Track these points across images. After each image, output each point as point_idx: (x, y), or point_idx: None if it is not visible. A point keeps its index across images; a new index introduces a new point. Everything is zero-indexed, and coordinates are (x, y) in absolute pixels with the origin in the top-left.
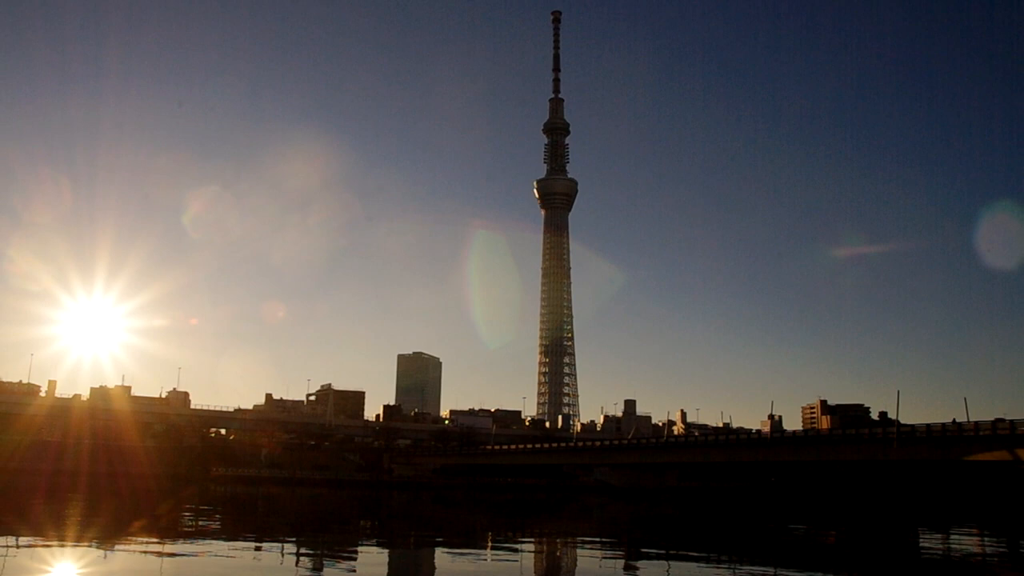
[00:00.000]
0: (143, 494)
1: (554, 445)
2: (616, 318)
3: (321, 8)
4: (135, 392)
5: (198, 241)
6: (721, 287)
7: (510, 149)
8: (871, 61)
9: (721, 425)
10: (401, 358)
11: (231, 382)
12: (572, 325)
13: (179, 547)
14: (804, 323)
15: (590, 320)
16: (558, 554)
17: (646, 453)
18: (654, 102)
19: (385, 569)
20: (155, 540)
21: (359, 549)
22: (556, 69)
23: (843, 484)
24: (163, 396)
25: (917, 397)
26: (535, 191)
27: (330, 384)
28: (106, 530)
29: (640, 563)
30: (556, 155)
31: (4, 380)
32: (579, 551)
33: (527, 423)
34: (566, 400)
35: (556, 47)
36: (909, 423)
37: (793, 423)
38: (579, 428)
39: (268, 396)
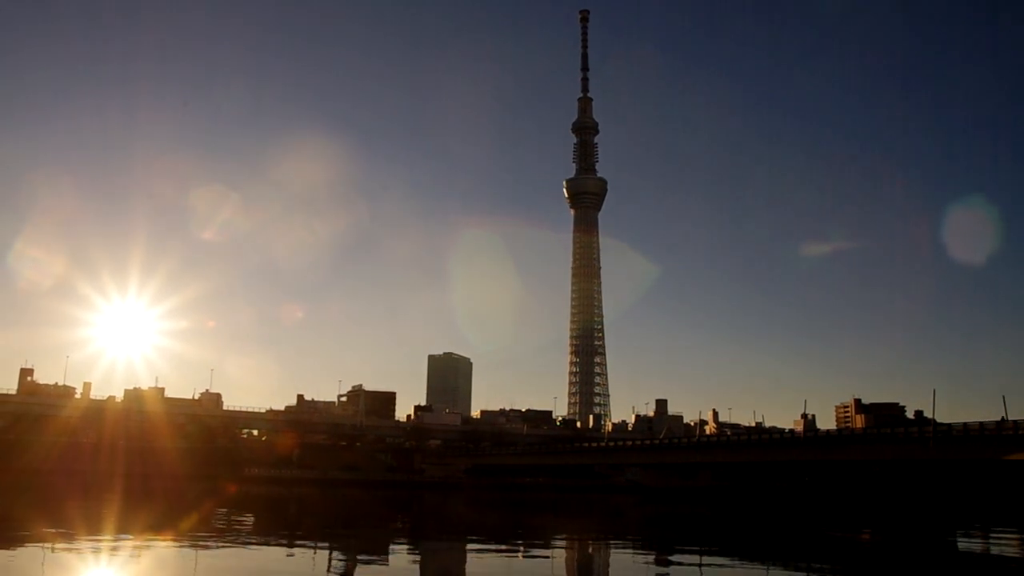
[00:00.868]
0: (176, 494)
1: (585, 445)
2: (647, 317)
3: (328, 7)
4: (168, 394)
5: (224, 243)
6: (753, 285)
7: (517, 149)
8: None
9: (753, 424)
10: (431, 359)
11: (262, 383)
12: (603, 324)
13: (212, 547)
14: (837, 321)
15: (621, 319)
16: (590, 554)
17: (678, 453)
18: (678, 100)
19: (417, 569)
20: (188, 540)
21: (391, 549)
22: (584, 68)
23: (878, 484)
24: (196, 397)
25: (954, 395)
26: (564, 190)
27: (361, 385)
28: (140, 529)
29: (672, 564)
30: (585, 154)
31: (41, 382)
32: (611, 551)
33: (558, 423)
34: (597, 400)
35: (584, 46)
36: (946, 422)
37: (827, 422)
38: (610, 428)
39: (300, 397)
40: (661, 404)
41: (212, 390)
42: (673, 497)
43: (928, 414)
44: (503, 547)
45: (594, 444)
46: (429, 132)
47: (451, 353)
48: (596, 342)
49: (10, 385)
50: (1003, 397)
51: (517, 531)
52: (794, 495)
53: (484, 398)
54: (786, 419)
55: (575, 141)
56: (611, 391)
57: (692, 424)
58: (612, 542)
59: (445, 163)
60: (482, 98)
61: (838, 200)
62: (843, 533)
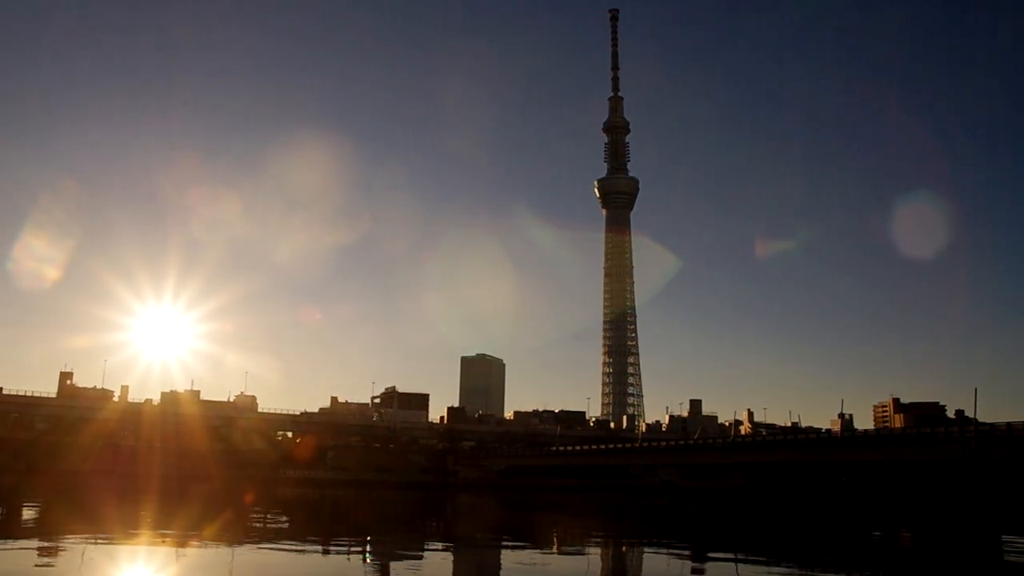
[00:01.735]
0: (212, 496)
1: (619, 446)
2: (681, 316)
3: (328, 5)
4: (203, 396)
5: (262, 247)
6: (788, 283)
7: (525, 148)
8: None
9: (789, 424)
10: (464, 360)
11: (294, 386)
12: (636, 324)
13: (248, 548)
14: (875, 319)
15: (655, 319)
16: (624, 555)
17: (712, 453)
18: (710, 101)
19: (451, 570)
20: (224, 540)
21: (425, 550)
22: (614, 67)
23: (918, 485)
24: (231, 400)
25: (996, 394)
26: (595, 190)
27: (394, 387)
28: (177, 530)
29: (707, 565)
30: (616, 154)
31: (79, 386)
32: (645, 552)
33: (592, 424)
34: (631, 400)
35: (614, 45)
36: (988, 421)
37: (864, 422)
38: (644, 428)
39: (333, 399)
40: (695, 404)
41: (247, 393)
42: (707, 498)
43: (969, 413)
44: (537, 548)
45: (627, 445)
46: (431, 131)
47: (484, 354)
48: (629, 342)
49: (50, 389)
50: None
51: (551, 532)
52: (831, 496)
53: (517, 399)
54: (823, 419)
55: (606, 141)
56: (645, 391)
57: (727, 424)
58: (646, 543)
59: (448, 162)
60: (486, 98)
61: (876, 200)
62: (881, 534)
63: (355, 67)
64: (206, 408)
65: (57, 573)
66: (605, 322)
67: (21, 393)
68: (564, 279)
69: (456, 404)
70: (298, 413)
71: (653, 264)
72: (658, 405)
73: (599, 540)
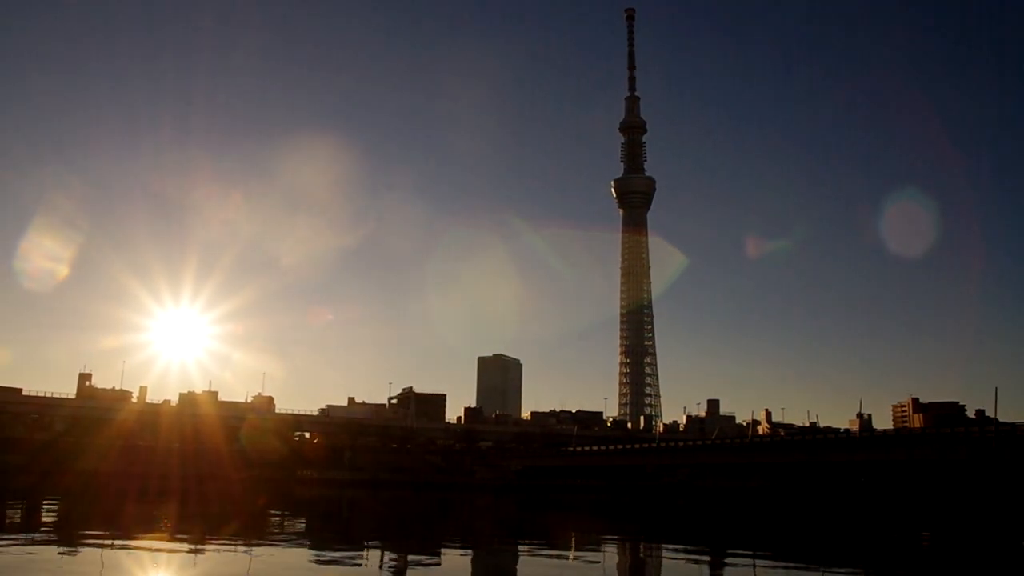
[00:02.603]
0: (230, 497)
1: (636, 446)
2: (698, 316)
3: (337, 6)
4: (221, 397)
5: (270, 248)
6: (806, 283)
7: (535, 148)
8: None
9: (807, 424)
10: (481, 360)
11: (310, 386)
12: (653, 324)
13: (265, 549)
14: (894, 317)
15: (672, 318)
16: (642, 555)
17: (730, 454)
18: (724, 96)
19: (468, 571)
20: (242, 542)
21: (442, 551)
22: (631, 67)
23: (938, 486)
24: (248, 401)
25: (1017, 394)
26: (612, 190)
27: (411, 387)
28: (195, 531)
29: (725, 565)
30: (633, 153)
31: (98, 387)
32: (663, 552)
33: (609, 424)
34: (648, 400)
35: (631, 44)
36: (1008, 421)
37: (883, 422)
38: (661, 429)
39: (351, 399)
40: (713, 404)
41: (264, 393)
42: (726, 498)
43: (989, 413)
44: (554, 548)
45: (644, 445)
46: (439, 131)
47: (500, 354)
48: (646, 342)
49: (69, 390)
50: None
51: (569, 532)
52: (849, 497)
53: (534, 400)
54: (841, 419)
55: (622, 140)
56: (662, 391)
57: (744, 424)
58: (664, 543)
59: (457, 163)
60: (495, 98)
61: (890, 203)
62: (901, 536)
63: (362, 67)
64: (224, 409)
65: (77, 572)
66: (622, 322)
67: (40, 394)
68: (578, 279)
69: (473, 404)
70: (315, 413)
71: (668, 263)
72: (675, 405)
73: (617, 540)
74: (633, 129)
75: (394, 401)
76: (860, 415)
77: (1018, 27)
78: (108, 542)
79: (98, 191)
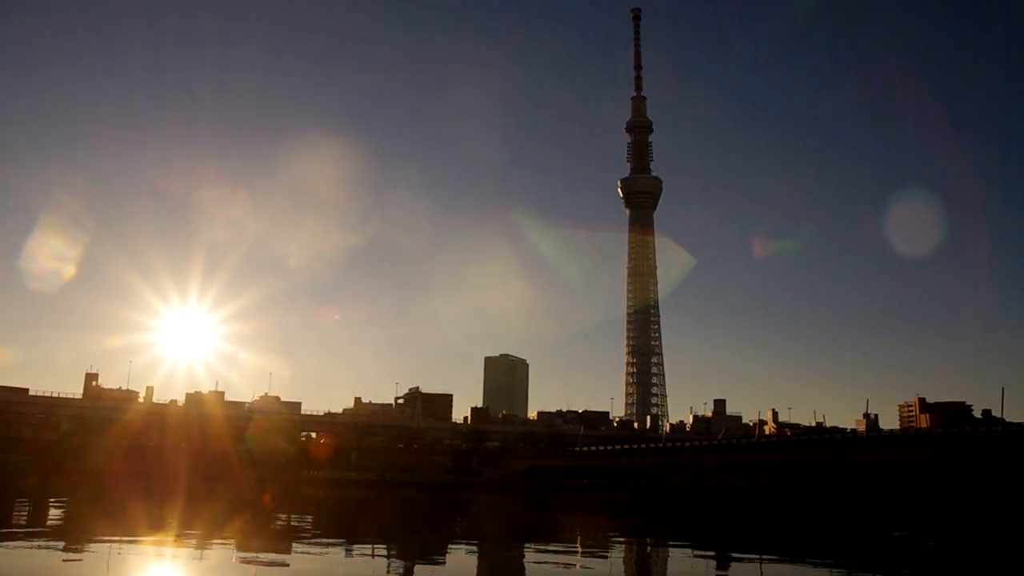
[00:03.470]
0: (237, 496)
1: (643, 446)
2: (704, 315)
3: (343, 5)
4: (227, 397)
5: (276, 248)
6: (812, 282)
7: (540, 148)
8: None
9: (814, 424)
10: (488, 360)
11: (317, 386)
12: (659, 323)
13: (272, 549)
14: (900, 317)
15: (678, 318)
16: (648, 555)
17: (736, 454)
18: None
19: (475, 570)
20: (249, 542)
21: (449, 551)
22: (637, 67)
23: (945, 486)
24: (255, 400)
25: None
26: (618, 190)
27: (418, 387)
28: (202, 532)
29: (731, 565)
30: (639, 153)
31: (104, 387)
32: (669, 552)
33: (615, 424)
34: (654, 400)
35: (637, 44)
36: (1016, 421)
37: (890, 422)
38: (668, 429)
39: (357, 399)
40: (719, 404)
41: (271, 393)
42: (732, 498)
43: (997, 413)
44: (561, 548)
45: (651, 445)
46: (445, 131)
47: (507, 354)
48: (652, 342)
49: (76, 390)
50: None
51: (575, 532)
52: (856, 497)
53: (541, 399)
54: (848, 419)
55: (628, 140)
56: (669, 391)
57: (751, 424)
58: (670, 543)
59: (462, 162)
60: (500, 97)
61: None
62: (907, 536)
63: (369, 66)
64: (230, 409)
65: (82, 572)
66: (628, 322)
67: (47, 394)
68: (584, 279)
69: (479, 404)
70: (322, 414)
71: (674, 263)
72: (682, 405)
73: (623, 540)
74: (639, 129)
75: (401, 401)
76: (867, 415)
77: None
78: (114, 543)
79: (103, 190)
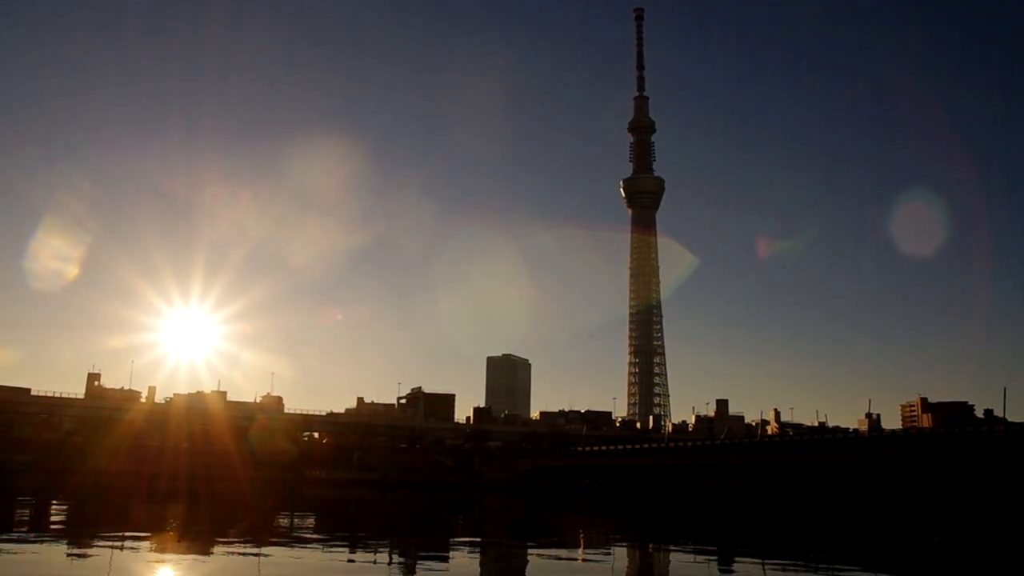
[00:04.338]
0: (239, 497)
1: (645, 446)
2: (707, 316)
3: (346, 6)
4: (229, 397)
5: (279, 248)
6: (815, 283)
7: (542, 148)
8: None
9: (816, 424)
10: (490, 360)
11: (317, 387)
12: (662, 324)
13: (274, 549)
14: (903, 318)
15: (681, 318)
16: (650, 555)
17: (738, 454)
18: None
19: (477, 570)
20: (251, 542)
21: (451, 551)
22: (640, 67)
23: (947, 486)
24: (257, 401)
25: None
26: (621, 190)
27: (420, 387)
28: (204, 532)
29: (734, 565)
30: (642, 153)
31: (106, 387)
32: (672, 552)
33: (617, 424)
34: (657, 400)
35: (639, 44)
36: (1017, 421)
37: (892, 422)
38: (670, 429)
39: (359, 400)
40: (722, 404)
41: (273, 393)
42: (734, 498)
43: (999, 413)
44: (563, 548)
45: (654, 445)
46: (447, 131)
47: (510, 355)
48: (655, 342)
49: (78, 390)
50: None
51: (577, 532)
52: (858, 497)
53: (543, 399)
54: (850, 419)
55: (631, 140)
56: (671, 391)
57: (753, 424)
58: (673, 543)
59: (464, 163)
60: (503, 98)
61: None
62: (909, 536)
63: (372, 67)
64: (232, 409)
65: (86, 573)
66: (631, 322)
67: (49, 394)
68: (587, 279)
69: (482, 404)
70: (324, 414)
71: (677, 263)
72: (685, 405)
73: (625, 540)
74: (642, 129)
75: (403, 401)
76: (869, 415)
77: None
78: (117, 543)
79: (107, 191)
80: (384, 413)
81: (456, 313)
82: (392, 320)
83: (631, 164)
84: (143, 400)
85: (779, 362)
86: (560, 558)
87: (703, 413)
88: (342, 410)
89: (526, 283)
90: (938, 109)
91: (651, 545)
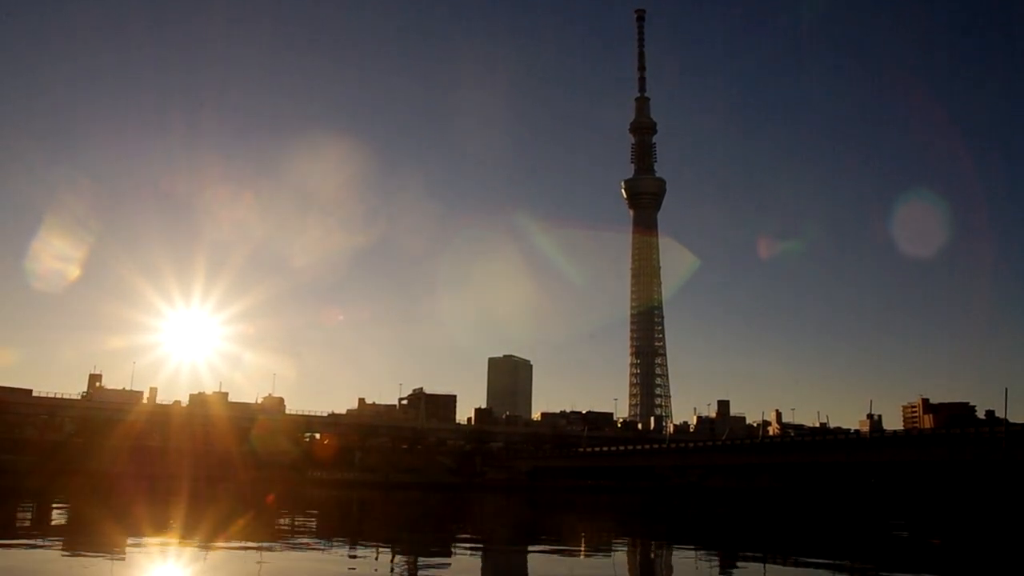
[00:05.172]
0: (240, 497)
1: (647, 447)
2: (708, 317)
3: (348, 7)
4: (231, 398)
5: (281, 249)
6: (816, 283)
7: (544, 149)
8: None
9: (818, 425)
10: (492, 361)
11: (319, 387)
12: (663, 325)
13: (276, 549)
14: (905, 318)
15: (682, 319)
16: (652, 555)
17: (740, 455)
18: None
19: (479, 571)
20: (252, 542)
21: (453, 551)
22: (641, 68)
23: (949, 487)
24: (259, 402)
25: None
26: (622, 191)
27: (422, 388)
28: (206, 531)
29: (736, 566)
30: (643, 154)
31: (108, 388)
32: (674, 552)
33: (619, 425)
34: (658, 401)
35: (640, 45)
36: (1018, 422)
37: (894, 423)
38: (672, 430)
39: (361, 400)
40: (723, 405)
41: (274, 394)
42: (736, 499)
43: (1000, 414)
44: (564, 548)
45: (655, 446)
46: (448, 132)
47: (511, 355)
48: (656, 343)
49: (79, 390)
50: None
51: (579, 533)
52: (859, 498)
53: (545, 400)
54: (851, 419)
55: (632, 141)
56: (673, 392)
57: (755, 425)
58: (674, 544)
59: (466, 163)
60: (504, 98)
61: (901, 203)
62: (910, 536)
63: (373, 68)
64: (234, 410)
65: (87, 574)
66: (632, 323)
67: (50, 395)
68: (588, 280)
69: (483, 405)
70: (326, 415)
71: (678, 264)
72: (686, 406)
73: (627, 541)
74: (643, 130)
75: (405, 402)
76: (870, 416)
77: None
78: (118, 543)
79: (108, 191)
80: (386, 414)
81: (458, 314)
82: (394, 321)
83: (632, 165)
84: (144, 401)
85: (780, 363)
86: (562, 558)
87: (704, 414)
88: (344, 411)
89: (527, 284)
90: (940, 110)
91: (653, 545)
